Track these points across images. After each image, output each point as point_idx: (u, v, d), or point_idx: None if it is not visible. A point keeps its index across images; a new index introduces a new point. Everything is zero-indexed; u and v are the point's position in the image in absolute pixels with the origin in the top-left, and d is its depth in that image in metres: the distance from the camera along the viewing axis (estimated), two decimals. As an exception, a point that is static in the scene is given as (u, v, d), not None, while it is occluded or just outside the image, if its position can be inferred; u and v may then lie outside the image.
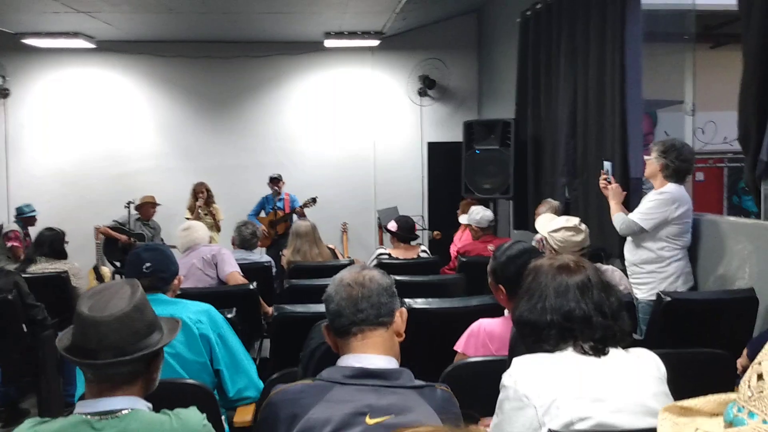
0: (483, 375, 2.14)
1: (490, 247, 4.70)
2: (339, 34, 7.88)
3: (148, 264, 2.47)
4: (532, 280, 1.66)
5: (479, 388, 1.99)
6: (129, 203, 7.31)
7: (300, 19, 7.16)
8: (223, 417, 2.35)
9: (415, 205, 8.60)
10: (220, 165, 8.51)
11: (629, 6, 4.51)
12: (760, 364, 0.92)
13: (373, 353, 1.54)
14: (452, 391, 2.10)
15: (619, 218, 3.71)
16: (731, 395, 0.98)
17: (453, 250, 5.65)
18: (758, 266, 3.33)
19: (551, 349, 1.56)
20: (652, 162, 3.74)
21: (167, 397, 2.01)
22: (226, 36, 8.23)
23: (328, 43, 8.09)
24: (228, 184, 8.20)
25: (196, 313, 2.46)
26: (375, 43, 8.21)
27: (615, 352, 1.56)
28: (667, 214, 3.56)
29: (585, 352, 1.54)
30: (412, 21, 7.75)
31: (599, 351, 1.54)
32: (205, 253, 4.09)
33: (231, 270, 4.08)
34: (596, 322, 1.55)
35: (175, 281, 2.61)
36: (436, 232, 7.84)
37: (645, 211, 3.61)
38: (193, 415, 1.55)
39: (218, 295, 3.02)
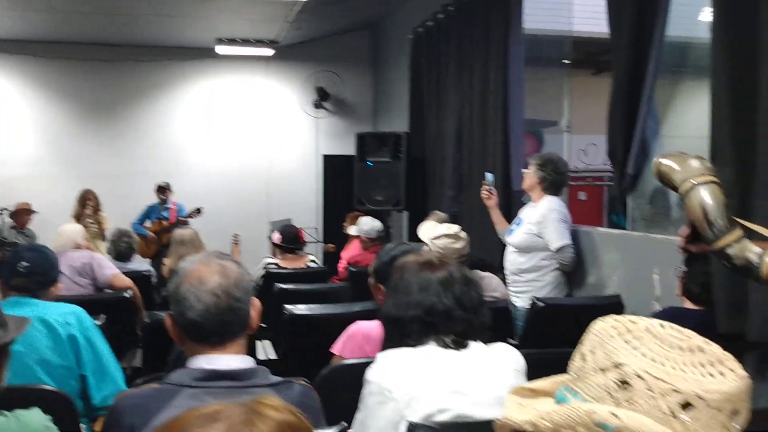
0: (358, 376, 2.14)
1: (379, 257, 4.74)
2: (231, 41, 7.75)
3: (25, 264, 2.38)
4: (398, 277, 1.69)
5: (354, 390, 1.98)
6: (3, 210, 6.90)
7: (189, 23, 7.00)
8: (84, 426, 2.23)
9: (310, 217, 8.54)
10: (105, 172, 8.13)
11: (512, 28, 4.70)
12: (583, 344, 0.96)
13: (224, 354, 1.45)
14: (327, 393, 2.08)
15: (565, 259, 3.75)
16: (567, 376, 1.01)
17: (342, 261, 5.66)
18: (625, 274, 3.53)
19: (414, 344, 1.58)
20: (531, 175, 3.91)
21: (21, 404, 1.88)
22: (112, 39, 7.91)
23: (220, 49, 7.93)
24: (113, 192, 7.83)
25: (64, 314, 2.35)
26: (269, 52, 8.13)
27: (475, 346, 1.60)
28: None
29: (446, 346, 1.57)
30: (308, 32, 7.75)
31: (460, 344, 1.58)
32: (74, 260, 3.84)
33: (113, 272, 3.90)
34: (457, 316, 1.59)
35: (53, 288, 2.51)
36: (330, 245, 7.82)
37: (561, 232, 3.73)
38: (34, 415, 1.45)
39: (89, 303, 2.88)
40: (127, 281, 3.90)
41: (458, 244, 3.22)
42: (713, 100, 2.64)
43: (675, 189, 1.46)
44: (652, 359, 0.86)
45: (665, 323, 0.93)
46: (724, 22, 2.60)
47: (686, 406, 0.83)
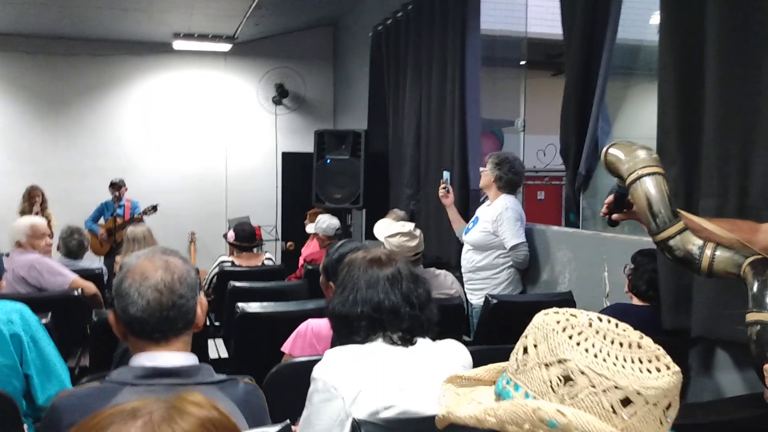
0: (307, 374, 2.13)
1: (336, 255, 4.72)
2: (189, 36, 7.65)
3: None
4: (346, 273, 1.68)
5: (303, 388, 1.98)
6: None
7: (145, 17, 6.87)
8: (26, 426, 2.17)
9: (269, 215, 8.49)
10: (57, 168, 7.95)
11: (469, 29, 4.73)
12: (526, 337, 0.96)
13: (167, 351, 1.42)
14: (276, 391, 2.05)
15: (519, 257, 3.80)
16: (506, 364, 1.01)
17: (301, 258, 5.63)
18: (576, 271, 3.59)
19: (362, 341, 1.58)
20: (487, 173, 3.94)
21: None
22: (66, 32, 7.72)
23: (178, 45, 7.82)
24: (65, 189, 7.67)
25: (7, 312, 2.27)
26: (227, 47, 8.03)
27: (422, 342, 1.61)
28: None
29: (393, 343, 1.57)
30: (267, 28, 7.69)
31: (407, 341, 1.58)
32: (20, 265, 3.62)
33: (68, 280, 3.70)
34: (404, 313, 1.59)
35: None
36: (289, 243, 7.77)
37: (516, 232, 3.77)
38: None
39: (35, 301, 2.81)
40: (90, 287, 3.73)
41: (413, 242, 3.23)
42: (660, 102, 2.70)
43: (622, 179, 1.48)
44: (594, 355, 0.87)
45: (603, 317, 0.93)
46: (672, 24, 2.66)
47: (626, 402, 0.85)
